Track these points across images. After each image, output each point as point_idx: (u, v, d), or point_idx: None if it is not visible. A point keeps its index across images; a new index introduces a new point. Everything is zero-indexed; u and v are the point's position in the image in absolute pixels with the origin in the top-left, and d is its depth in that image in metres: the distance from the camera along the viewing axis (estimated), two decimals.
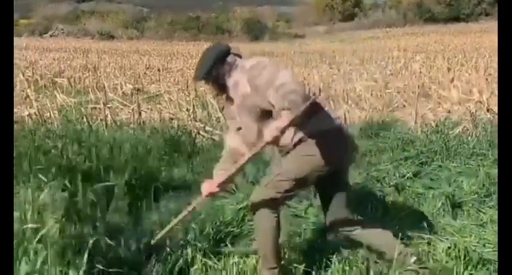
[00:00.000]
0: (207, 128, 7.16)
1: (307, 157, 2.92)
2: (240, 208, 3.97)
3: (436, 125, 6.83)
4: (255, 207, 3.00)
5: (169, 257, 3.16)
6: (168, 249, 3.26)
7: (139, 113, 7.13)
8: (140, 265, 3.09)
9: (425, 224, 3.91)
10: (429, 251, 3.48)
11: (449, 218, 4.07)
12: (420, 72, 13.64)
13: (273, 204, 2.96)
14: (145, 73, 15.21)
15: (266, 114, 2.90)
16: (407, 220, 4.02)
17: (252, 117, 2.94)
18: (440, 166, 5.22)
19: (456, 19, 53.13)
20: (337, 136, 3.01)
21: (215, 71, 2.96)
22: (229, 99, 3.04)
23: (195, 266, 3.17)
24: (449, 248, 3.40)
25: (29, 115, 6.95)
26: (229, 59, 2.99)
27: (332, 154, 2.94)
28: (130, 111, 7.62)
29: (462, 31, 38.90)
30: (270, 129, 2.64)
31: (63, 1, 78.76)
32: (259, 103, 2.88)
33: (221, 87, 3.02)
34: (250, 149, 2.92)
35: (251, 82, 2.87)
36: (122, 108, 8.50)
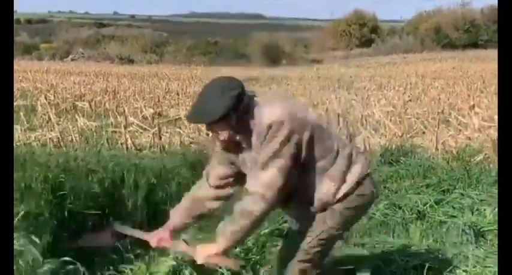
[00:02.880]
0: None
1: (351, 211, 2.69)
2: (261, 235, 3.94)
3: (457, 152, 6.78)
4: None
5: None
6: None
7: (160, 137, 7.17)
8: None
9: (448, 254, 3.87)
10: None
11: (473, 247, 4.02)
12: (439, 98, 13.59)
13: (320, 267, 2.76)
14: (164, 97, 15.34)
15: None
16: (429, 249, 3.98)
17: None
18: (462, 194, 5.17)
19: (474, 45, 53.06)
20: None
21: (233, 112, 2.47)
22: (238, 145, 2.62)
23: None
24: None
25: (51, 139, 7.03)
26: (246, 99, 2.53)
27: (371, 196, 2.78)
28: (151, 135, 7.68)
29: (480, 57, 38.72)
30: (201, 253, 2.58)
31: (84, 26, 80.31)
32: None
33: (236, 131, 2.54)
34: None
35: (258, 140, 2.52)
36: (141, 132, 8.56)
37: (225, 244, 2.53)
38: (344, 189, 2.63)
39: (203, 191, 2.83)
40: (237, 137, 2.55)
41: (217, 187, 2.80)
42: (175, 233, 2.91)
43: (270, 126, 2.45)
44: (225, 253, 2.57)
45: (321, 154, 2.59)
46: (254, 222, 2.51)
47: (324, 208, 2.63)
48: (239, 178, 2.75)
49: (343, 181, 2.63)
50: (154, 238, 2.87)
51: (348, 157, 2.67)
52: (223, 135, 2.53)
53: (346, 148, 2.71)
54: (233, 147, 2.63)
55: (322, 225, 2.65)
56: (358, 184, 2.66)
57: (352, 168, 2.66)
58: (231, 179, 2.78)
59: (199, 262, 2.59)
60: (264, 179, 2.46)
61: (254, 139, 2.53)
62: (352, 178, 2.65)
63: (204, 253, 2.57)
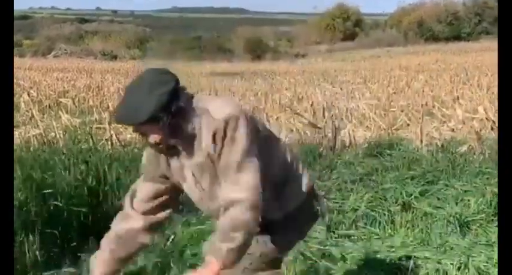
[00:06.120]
0: None
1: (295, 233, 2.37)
2: None
3: (442, 144, 6.83)
4: None
5: None
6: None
7: None
8: None
9: (433, 244, 3.91)
10: (438, 270, 3.47)
11: (457, 237, 4.06)
12: (423, 91, 13.67)
13: None
14: None
15: None
16: (415, 239, 4.01)
17: (214, 181, 2.17)
18: (446, 185, 5.21)
19: (457, 38, 53.42)
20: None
21: (166, 111, 2.04)
22: (175, 152, 2.18)
23: None
24: (459, 268, 3.39)
25: (34, 135, 6.95)
26: (183, 96, 2.11)
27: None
28: None
29: (463, 50, 39.02)
30: None
31: (66, 22, 79.52)
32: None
33: (170, 135, 2.09)
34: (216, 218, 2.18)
35: (215, 141, 2.09)
36: (126, 128, 8.49)
37: (220, 264, 2.05)
38: (289, 205, 2.29)
39: (129, 223, 2.29)
40: (173, 141, 2.12)
41: (147, 212, 2.29)
42: None
43: (226, 122, 2.07)
44: None
45: (268, 159, 2.20)
46: (250, 233, 2.09)
47: (266, 222, 2.21)
48: (172, 197, 2.33)
49: (291, 195, 2.30)
50: None
51: (294, 168, 2.34)
52: (154, 138, 2.10)
53: (292, 156, 2.35)
54: (166, 152, 2.19)
55: (263, 246, 2.27)
56: (304, 201, 2.33)
57: (299, 181, 2.33)
58: (163, 198, 2.30)
59: None
60: (246, 183, 2.07)
61: (206, 140, 2.10)
62: (299, 193, 2.32)
63: None
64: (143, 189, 2.30)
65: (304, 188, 2.34)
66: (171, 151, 2.17)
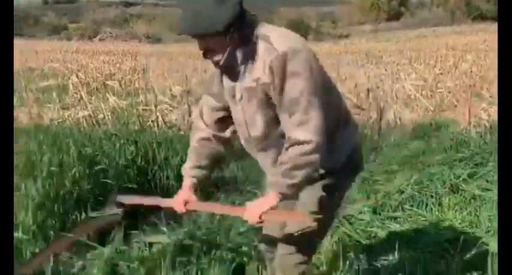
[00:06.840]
0: None
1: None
2: None
3: (490, 126, 6.67)
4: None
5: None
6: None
7: (189, 114, 7.22)
8: None
9: (482, 227, 3.85)
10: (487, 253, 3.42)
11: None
12: (471, 71, 13.32)
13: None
14: (192, 75, 15.37)
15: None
16: (463, 222, 3.96)
17: (261, 110, 2.13)
18: (495, 168, 5.10)
19: None
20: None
21: (237, 24, 2.00)
22: (231, 71, 2.14)
23: None
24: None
25: (84, 117, 7.15)
26: (248, 15, 2.07)
27: None
28: (180, 112, 7.74)
29: None
30: (252, 212, 2.08)
31: (111, 5, 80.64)
32: (268, 105, 2.12)
33: (233, 51, 2.06)
34: (245, 144, 2.29)
35: (273, 73, 2.01)
36: (171, 110, 8.63)
37: (278, 198, 2.08)
38: (339, 157, 2.25)
39: (198, 134, 2.35)
40: (233, 59, 2.07)
41: (212, 125, 2.33)
42: (197, 191, 2.36)
43: (288, 55, 1.98)
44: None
45: (324, 103, 2.08)
46: (312, 173, 2.08)
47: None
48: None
49: (342, 145, 2.25)
50: (177, 202, 2.30)
51: (344, 116, 2.27)
52: (220, 54, 2.05)
53: (344, 103, 2.31)
54: (222, 70, 2.18)
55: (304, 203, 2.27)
56: (351, 153, 2.28)
57: (349, 131, 2.29)
58: (224, 113, 2.31)
59: (251, 221, 2.11)
60: (313, 125, 2.01)
61: (259, 68, 2.05)
62: (349, 144, 2.28)
63: (258, 209, 2.08)
64: (206, 101, 2.33)
65: (352, 139, 2.29)
66: (227, 70, 2.14)
